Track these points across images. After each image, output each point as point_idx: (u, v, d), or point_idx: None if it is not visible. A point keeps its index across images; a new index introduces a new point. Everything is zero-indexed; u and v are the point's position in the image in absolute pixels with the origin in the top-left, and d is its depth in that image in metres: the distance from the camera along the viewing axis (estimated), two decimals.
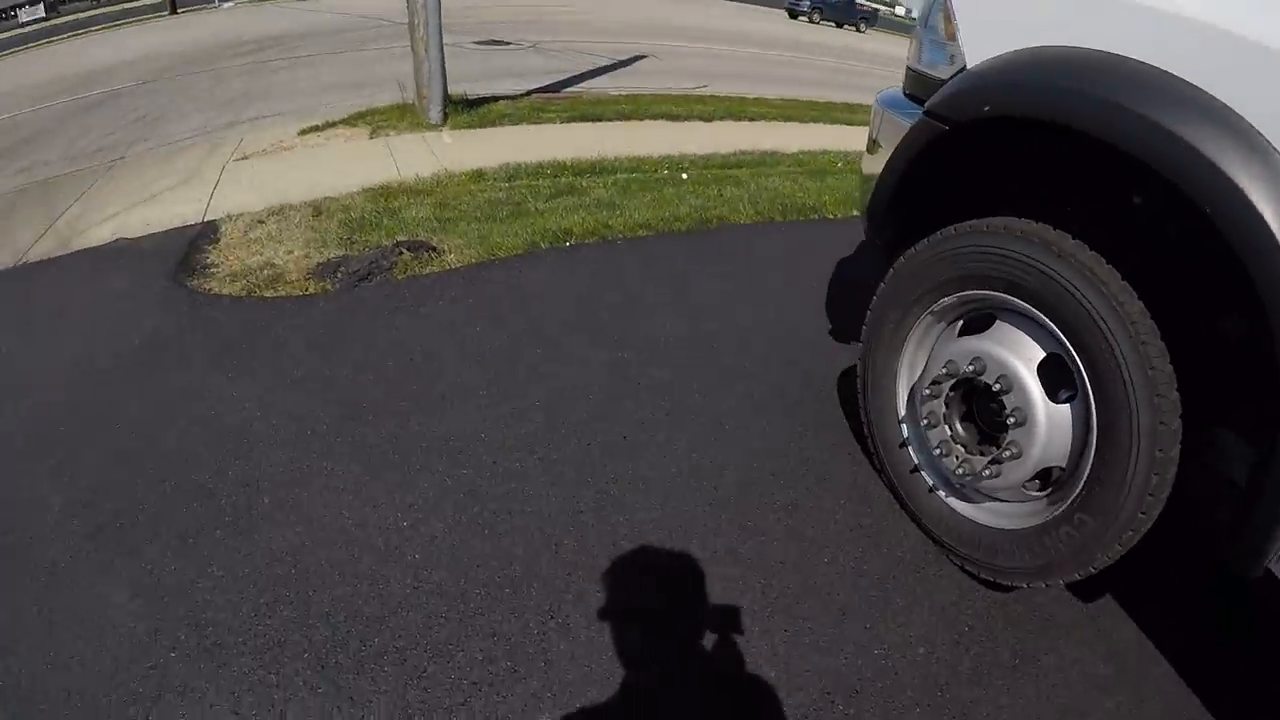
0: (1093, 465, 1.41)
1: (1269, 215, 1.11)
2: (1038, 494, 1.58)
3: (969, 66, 1.60)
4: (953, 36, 1.67)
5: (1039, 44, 1.46)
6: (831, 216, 3.88)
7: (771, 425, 2.17)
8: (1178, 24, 1.25)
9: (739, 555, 1.71)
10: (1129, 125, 1.24)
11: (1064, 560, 1.47)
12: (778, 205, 3.77)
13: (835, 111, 8.07)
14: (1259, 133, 1.14)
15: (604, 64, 9.48)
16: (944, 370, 1.61)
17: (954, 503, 1.73)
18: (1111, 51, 1.33)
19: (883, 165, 1.81)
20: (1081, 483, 1.44)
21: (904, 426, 1.83)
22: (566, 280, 3.08)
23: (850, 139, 6.17)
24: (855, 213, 3.58)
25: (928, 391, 1.67)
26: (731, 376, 2.40)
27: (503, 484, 1.89)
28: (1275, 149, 1.12)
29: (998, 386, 1.51)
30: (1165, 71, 1.24)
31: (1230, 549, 1.30)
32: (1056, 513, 1.49)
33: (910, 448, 1.82)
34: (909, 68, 1.92)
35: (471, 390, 2.29)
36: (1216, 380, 1.40)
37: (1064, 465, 1.50)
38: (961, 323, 1.70)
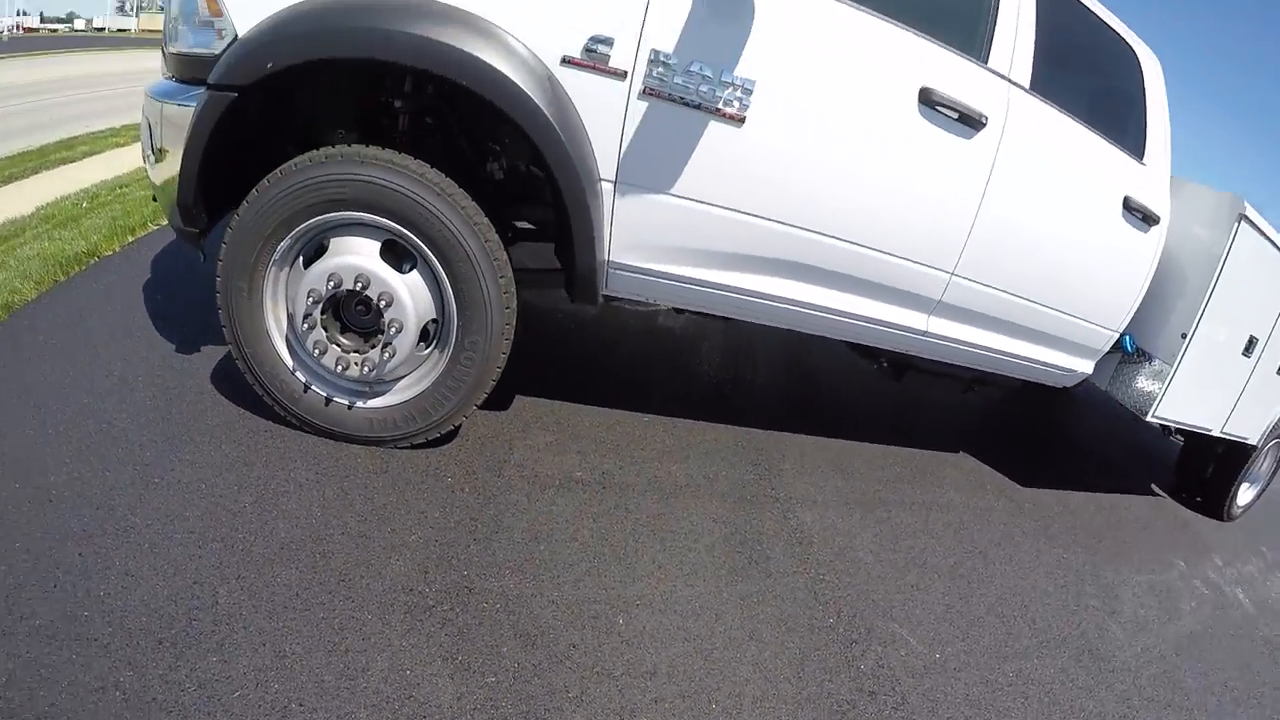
0: (457, 302, 1.81)
1: (506, 70, 1.64)
2: (428, 350, 1.92)
3: (241, 35, 1.69)
4: (219, 13, 1.73)
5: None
6: (109, 251, 3.35)
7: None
8: None
9: None
10: (388, 40, 1.62)
11: (481, 373, 1.89)
12: (53, 267, 3.05)
13: (53, 152, 7.10)
14: (484, 19, 1.65)
15: None
16: (310, 300, 1.77)
17: (375, 403, 1.95)
18: None
19: (178, 157, 1.77)
20: (456, 319, 1.83)
21: (298, 374, 1.91)
22: None
23: (83, 175, 5.69)
24: (130, 239, 3.48)
25: (305, 326, 1.80)
26: None
27: None
28: (500, 29, 1.66)
29: (359, 285, 1.76)
30: None
31: (574, 291, 1.99)
32: (452, 349, 1.87)
33: (314, 386, 1.92)
34: (174, 54, 1.89)
35: None
36: (514, 193, 2.12)
37: (436, 316, 1.87)
38: (300, 260, 1.83)
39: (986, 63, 2.20)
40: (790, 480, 2.50)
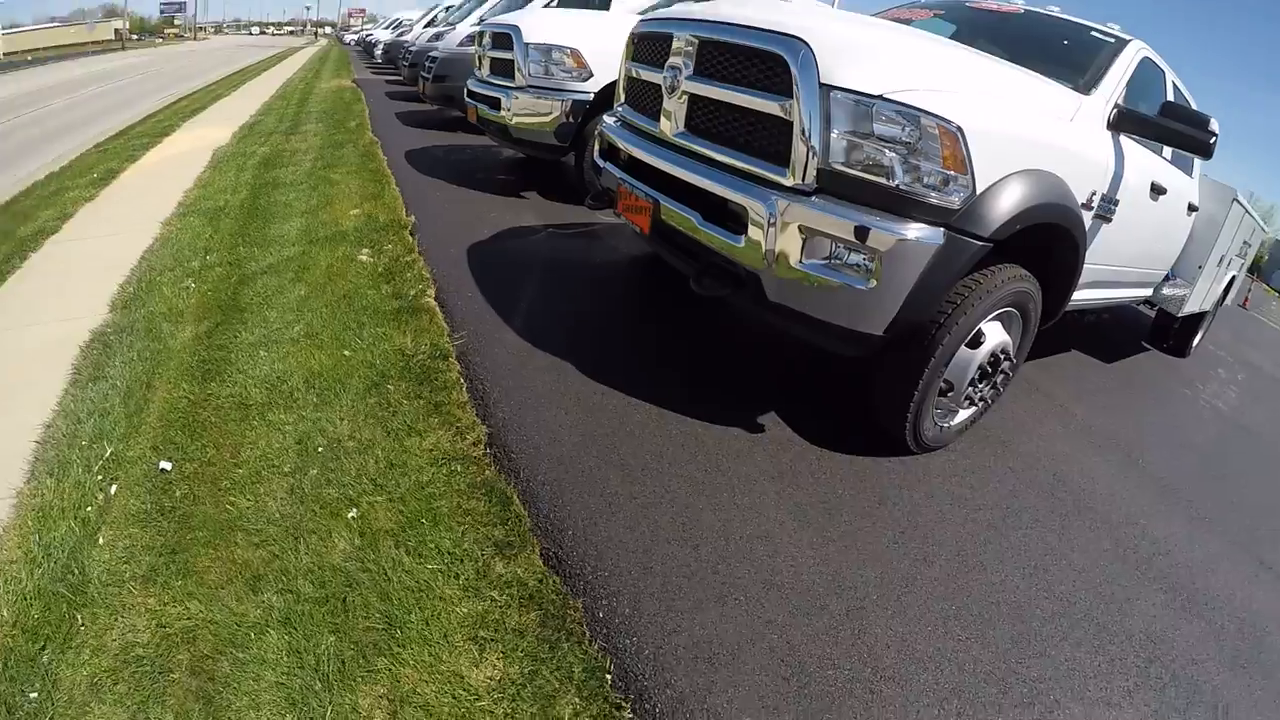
0: (1021, 341, 3.19)
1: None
2: None
3: (980, 191, 2.26)
4: (964, 170, 2.21)
5: (1021, 170, 2.45)
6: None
7: None
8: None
9: None
10: (1066, 214, 2.80)
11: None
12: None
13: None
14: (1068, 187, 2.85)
15: None
16: (976, 372, 2.94)
17: (957, 420, 3.20)
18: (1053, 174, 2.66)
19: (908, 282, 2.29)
20: (1013, 351, 3.17)
21: (929, 418, 2.93)
22: None
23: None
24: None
25: (968, 389, 2.97)
26: None
27: None
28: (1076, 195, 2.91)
29: (1001, 353, 3.04)
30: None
31: (1052, 320, 4.11)
32: (1006, 371, 3.18)
33: (938, 423, 3.04)
34: (884, 188, 2.22)
35: None
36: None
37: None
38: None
39: (1160, 154, 4.11)
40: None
